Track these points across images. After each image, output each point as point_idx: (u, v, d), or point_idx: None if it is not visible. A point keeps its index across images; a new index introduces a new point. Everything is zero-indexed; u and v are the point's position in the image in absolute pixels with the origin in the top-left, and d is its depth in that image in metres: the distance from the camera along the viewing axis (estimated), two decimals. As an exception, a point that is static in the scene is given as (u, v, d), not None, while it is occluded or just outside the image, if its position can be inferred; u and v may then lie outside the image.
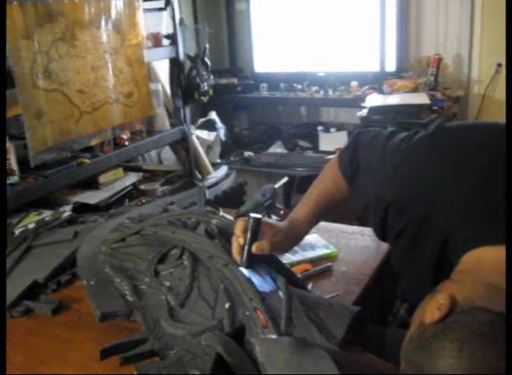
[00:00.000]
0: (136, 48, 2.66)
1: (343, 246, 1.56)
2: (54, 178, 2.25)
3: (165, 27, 3.13)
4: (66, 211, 2.02)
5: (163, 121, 3.05)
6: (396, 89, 3.32)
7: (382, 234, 1.12)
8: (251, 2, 3.83)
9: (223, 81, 3.77)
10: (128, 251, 1.31)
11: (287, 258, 1.41)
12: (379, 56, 3.50)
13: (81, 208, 2.28)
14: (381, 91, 3.36)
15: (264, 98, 3.81)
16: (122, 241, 1.35)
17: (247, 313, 1.00)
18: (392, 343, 0.91)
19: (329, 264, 1.44)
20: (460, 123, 1.14)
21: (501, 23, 2.20)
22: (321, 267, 1.43)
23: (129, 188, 2.68)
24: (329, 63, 3.68)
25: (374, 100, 3.23)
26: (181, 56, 3.02)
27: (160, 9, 3.01)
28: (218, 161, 3.65)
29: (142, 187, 2.76)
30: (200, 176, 3.22)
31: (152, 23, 3.00)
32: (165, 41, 3.00)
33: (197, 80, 3.09)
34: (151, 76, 2.89)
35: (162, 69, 3.19)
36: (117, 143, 2.69)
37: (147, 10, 2.82)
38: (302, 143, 3.78)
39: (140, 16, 2.68)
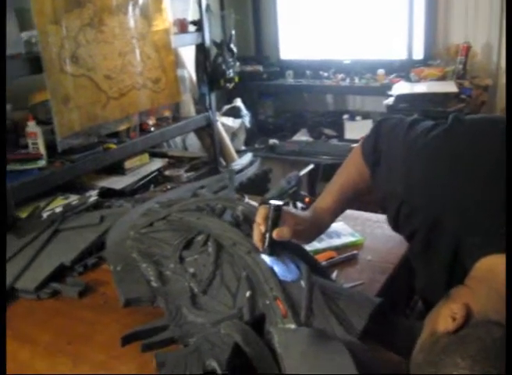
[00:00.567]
0: (163, 34, 2.67)
1: (368, 234, 1.54)
2: (80, 163, 2.28)
3: (192, 13, 3.13)
4: (92, 196, 2.04)
5: (188, 107, 3.06)
6: (424, 77, 3.28)
7: (397, 230, 1.12)
8: (278, -11, 3.80)
9: (249, 68, 3.77)
10: (155, 236, 1.31)
11: (313, 245, 1.40)
12: (407, 44, 3.46)
13: (107, 193, 2.31)
14: (408, 79, 3.32)
15: (290, 86, 3.78)
16: (150, 226, 1.35)
17: (267, 302, 0.99)
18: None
19: (355, 252, 1.43)
20: (478, 118, 1.06)
21: (533, 11, 2.15)
22: (347, 255, 1.42)
23: (154, 174, 2.70)
24: (356, 51, 3.64)
25: (400, 88, 3.19)
26: (207, 42, 3.02)
27: (186, -5, 3.02)
28: (243, 148, 3.65)
29: (167, 173, 2.79)
30: (224, 163, 3.23)
31: (179, 9, 3.00)
32: (191, 28, 3.00)
33: (223, 66, 3.09)
34: (176, 62, 2.89)
35: (188, 56, 3.19)
36: (143, 129, 2.71)
37: (173, -4, 2.82)
38: (327, 131, 3.74)
39: (167, 2, 2.68)
